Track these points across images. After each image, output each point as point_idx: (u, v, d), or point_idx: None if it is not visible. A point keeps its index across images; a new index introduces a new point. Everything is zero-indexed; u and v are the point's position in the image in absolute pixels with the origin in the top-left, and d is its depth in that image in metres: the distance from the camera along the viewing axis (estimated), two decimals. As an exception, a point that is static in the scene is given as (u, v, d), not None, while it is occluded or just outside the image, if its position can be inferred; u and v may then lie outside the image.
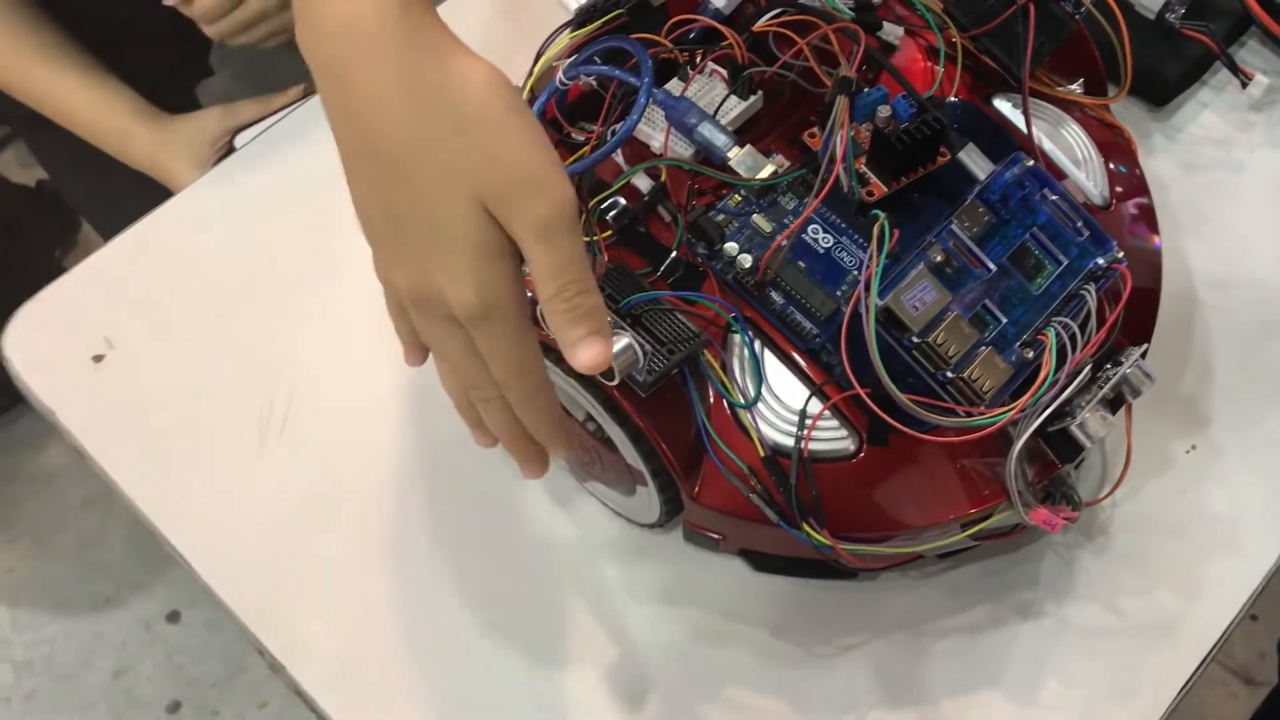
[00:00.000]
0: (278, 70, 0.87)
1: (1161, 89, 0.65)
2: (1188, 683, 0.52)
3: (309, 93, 0.80)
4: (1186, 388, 0.58)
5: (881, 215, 0.46)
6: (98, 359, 0.60)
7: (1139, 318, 0.51)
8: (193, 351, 0.60)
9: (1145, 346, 0.49)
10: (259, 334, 0.61)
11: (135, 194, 0.81)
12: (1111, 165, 0.54)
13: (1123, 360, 0.47)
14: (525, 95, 0.54)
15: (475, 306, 0.37)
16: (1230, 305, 0.60)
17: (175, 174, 0.82)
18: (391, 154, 0.37)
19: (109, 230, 0.68)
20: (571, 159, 0.53)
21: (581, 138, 0.53)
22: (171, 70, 0.91)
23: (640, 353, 0.43)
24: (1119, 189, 0.54)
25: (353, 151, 0.39)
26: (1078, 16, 0.53)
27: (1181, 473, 0.56)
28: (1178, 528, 0.55)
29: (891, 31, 0.54)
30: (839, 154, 0.46)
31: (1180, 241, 0.62)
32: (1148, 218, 0.54)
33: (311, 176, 0.65)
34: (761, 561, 0.53)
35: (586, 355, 0.38)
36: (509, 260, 0.38)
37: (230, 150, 0.81)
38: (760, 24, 0.53)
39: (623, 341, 0.43)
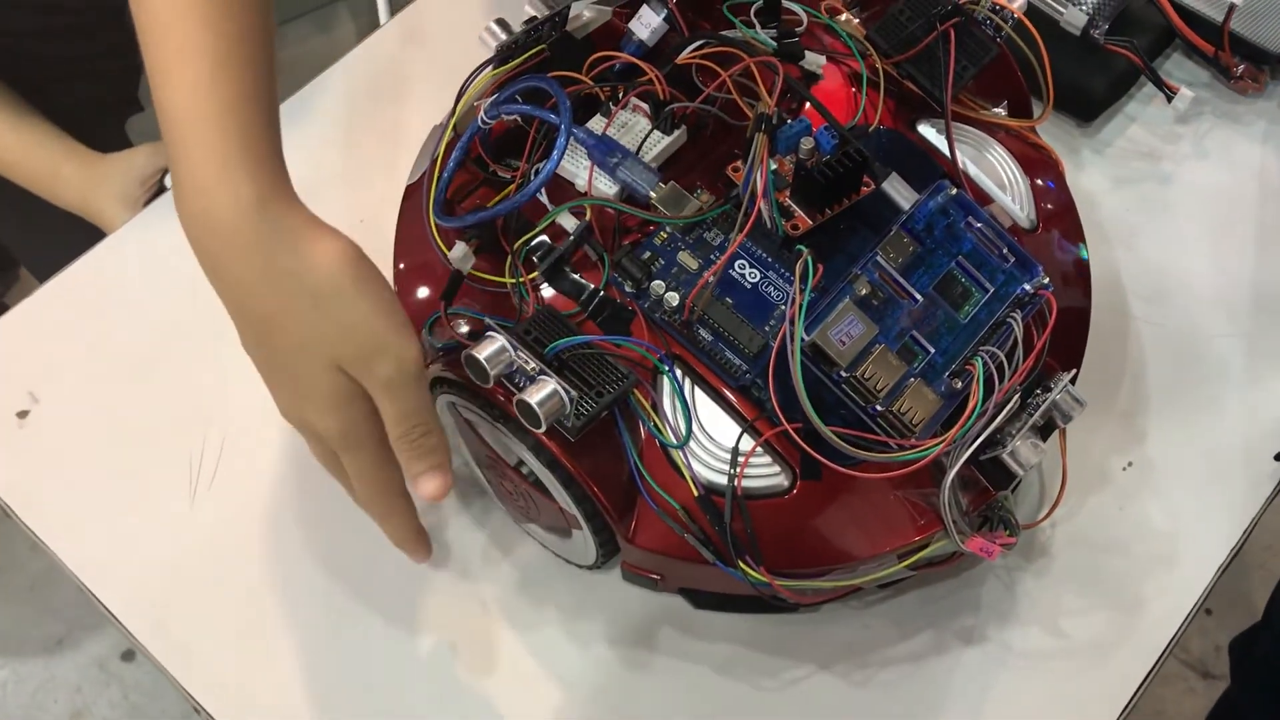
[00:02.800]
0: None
1: (1088, 105, 0.66)
2: (1132, 699, 0.52)
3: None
4: (1122, 403, 0.58)
5: (805, 250, 0.45)
6: (21, 415, 0.59)
7: (1069, 340, 0.51)
8: (121, 403, 0.59)
9: (1074, 372, 0.49)
10: (188, 381, 0.60)
11: (68, 235, 0.79)
12: (1038, 186, 0.55)
13: (1052, 386, 0.47)
14: (448, 134, 0.54)
15: (337, 439, 0.44)
16: (1162, 318, 0.60)
17: (106, 214, 0.81)
18: (259, 323, 0.43)
19: (44, 273, 0.67)
20: (496, 198, 0.52)
21: (508, 175, 0.52)
22: (101, 109, 0.89)
23: (565, 398, 0.43)
24: (1047, 209, 0.55)
25: (231, 312, 0.44)
26: (999, 40, 0.54)
27: (1119, 490, 0.56)
28: (1117, 545, 0.55)
29: (814, 61, 0.54)
30: (759, 190, 0.46)
31: (1112, 256, 0.62)
32: (1076, 238, 0.54)
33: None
34: (702, 599, 0.53)
35: (428, 487, 0.45)
36: (363, 403, 0.44)
37: (161, 189, 0.79)
38: (683, 56, 0.53)
39: (547, 388, 0.42)
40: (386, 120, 0.68)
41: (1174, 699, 1.27)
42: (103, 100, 0.89)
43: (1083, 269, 0.54)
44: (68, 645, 1.30)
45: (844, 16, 0.56)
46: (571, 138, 0.49)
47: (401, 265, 0.53)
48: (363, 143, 0.67)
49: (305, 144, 0.67)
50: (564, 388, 0.43)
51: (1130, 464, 0.57)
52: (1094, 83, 0.65)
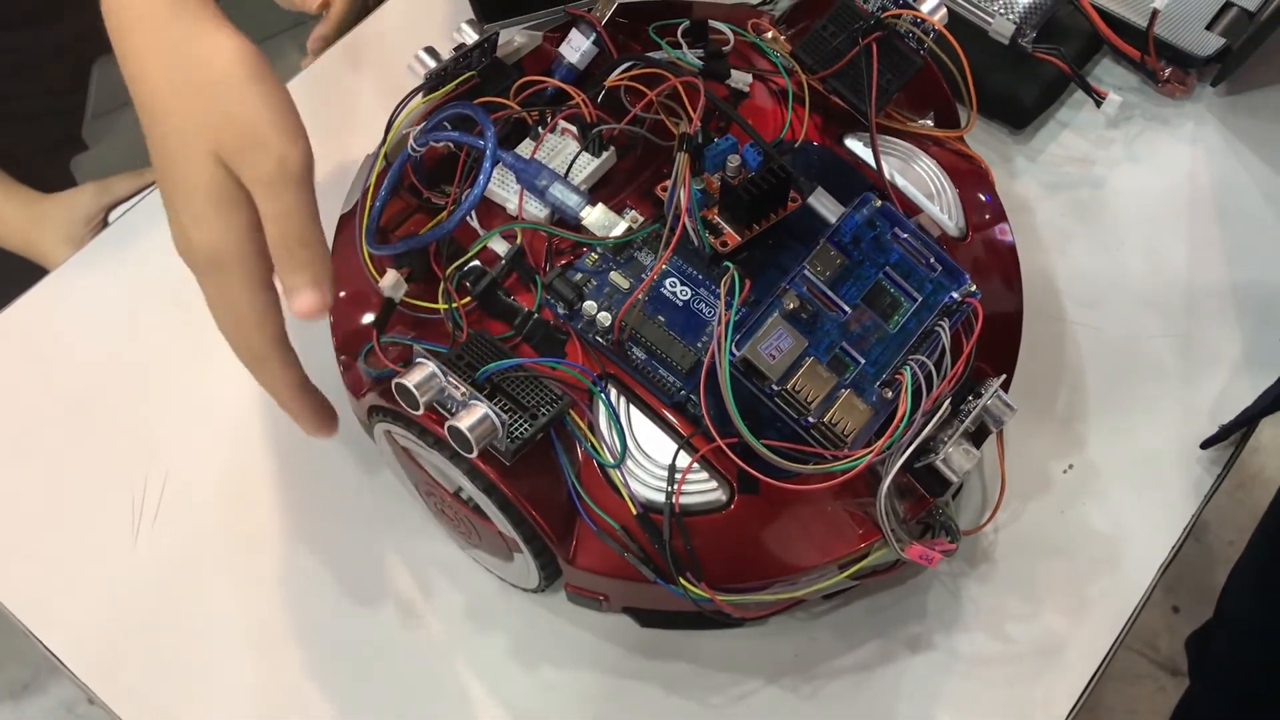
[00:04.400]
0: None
1: (1019, 113, 0.67)
2: (1078, 701, 0.52)
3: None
4: (1060, 407, 0.59)
5: (731, 267, 0.46)
6: (-40, 459, 0.58)
7: (1001, 345, 0.52)
8: (62, 442, 0.59)
9: (1004, 377, 0.49)
10: (128, 419, 0.59)
11: (9, 274, 0.79)
12: (968, 195, 0.55)
13: (983, 392, 0.48)
14: (380, 162, 0.54)
15: (206, 252, 0.42)
16: (1099, 322, 0.61)
17: (50, 254, 0.80)
18: (154, 114, 0.43)
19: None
20: (430, 224, 0.52)
21: (441, 202, 0.53)
22: (45, 147, 0.89)
23: (497, 422, 0.43)
24: (977, 218, 0.55)
25: (137, 106, 0.44)
26: (922, 53, 0.54)
27: (1061, 493, 0.57)
28: (1060, 548, 0.55)
29: (740, 79, 0.55)
30: (683, 208, 0.46)
31: (1047, 261, 0.63)
32: (1006, 244, 0.55)
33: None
34: (647, 618, 0.53)
35: (301, 302, 0.42)
36: (243, 212, 0.42)
37: (105, 225, 0.79)
38: (611, 79, 0.53)
39: (478, 413, 0.42)
40: (327, 148, 0.68)
41: (1146, 698, 1.27)
42: (46, 139, 0.88)
43: (1013, 275, 0.54)
44: (33, 690, 1.28)
45: (770, 35, 0.57)
46: (500, 162, 0.50)
47: (339, 293, 0.53)
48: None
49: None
50: (495, 411, 0.43)
51: (1071, 467, 0.57)
52: (1024, 91, 0.66)
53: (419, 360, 0.43)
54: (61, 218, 0.80)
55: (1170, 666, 1.29)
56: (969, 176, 0.56)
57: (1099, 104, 0.65)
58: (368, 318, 0.51)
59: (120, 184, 0.82)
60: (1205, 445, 0.57)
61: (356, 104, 0.69)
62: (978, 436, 0.48)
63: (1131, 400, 0.59)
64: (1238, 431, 0.57)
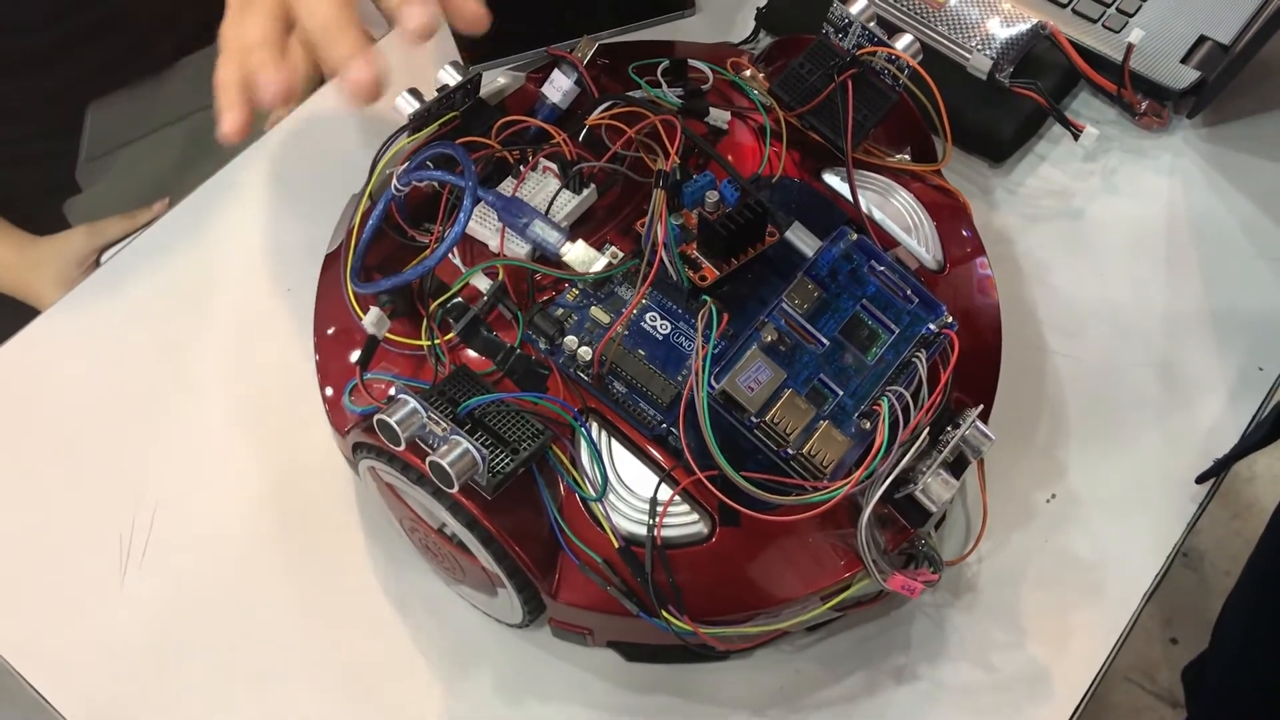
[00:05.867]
0: (144, 185, 0.86)
1: (998, 146, 0.67)
2: (1065, 731, 0.52)
3: (174, 205, 0.79)
4: (1042, 437, 0.59)
5: (709, 300, 0.46)
6: (-51, 500, 0.58)
7: (980, 375, 0.52)
8: (50, 482, 0.59)
9: (982, 407, 0.50)
10: (117, 458, 0.60)
11: (2, 314, 0.80)
12: (945, 228, 0.56)
13: (961, 422, 0.48)
14: (364, 201, 0.54)
15: None
16: (1078, 351, 0.62)
17: (41, 295, 0.81)
18: None
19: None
20: (414, 261, 0.53)
21: (425, 240, 0.53)
22: (38, 190, 0.90)
23: (478, 457, 0.43)
24: (957, 250, 0.56)
25: None
26: (898, 89, 0.55)
27: (1044, 522, 0.57)
28: (1043, 578, 0.55)
29: (719, 116, 0.56)
30: (660, 243, 0.47)
31: (1028, 292, 0.63)
32: (984, 276, 0.56)
33: (173, 290, 0.65)
34: (632, 651, 0.53)
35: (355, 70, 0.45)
36: None
37: (97, 267, 0.80)
38: (592, 117, 0.54)
39: (459, 449, 0.43)
40: (313, 187, 0.69)
41: (1145, 730, 1.27)
42: (38, 183, 0.89)
43: (991, 306, 0.55)
44: (26, 734, 1.28)
45: (748, 72, 0.58)
46: (481, 201, 0.50)
47: (324, 332, 0.53)
48: (291, 211, 0.68)
49: (232, 214, 0.68)
50: (476, 447, 0.43)
51: (1054, 496, 0.57)
52: (1003, 125, 0.67)
53: (401, 396, 0.44)
54: (54, 259, 0.81)
55: (1169, 698, 1.28)
56: (946, 210, 0.57)
57: (1077, 137, 0.66)
58: (353, 355, 0.52)
59: (112, 226, 0.83)
60: (1201, 479, 0.58)
61: (341, 144, 0.70)
62: (957, 466, 0.48)
63: (1113, 429, 0.59)
64: (1231, 465, 0.57)
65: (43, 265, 0.81)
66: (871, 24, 0.55)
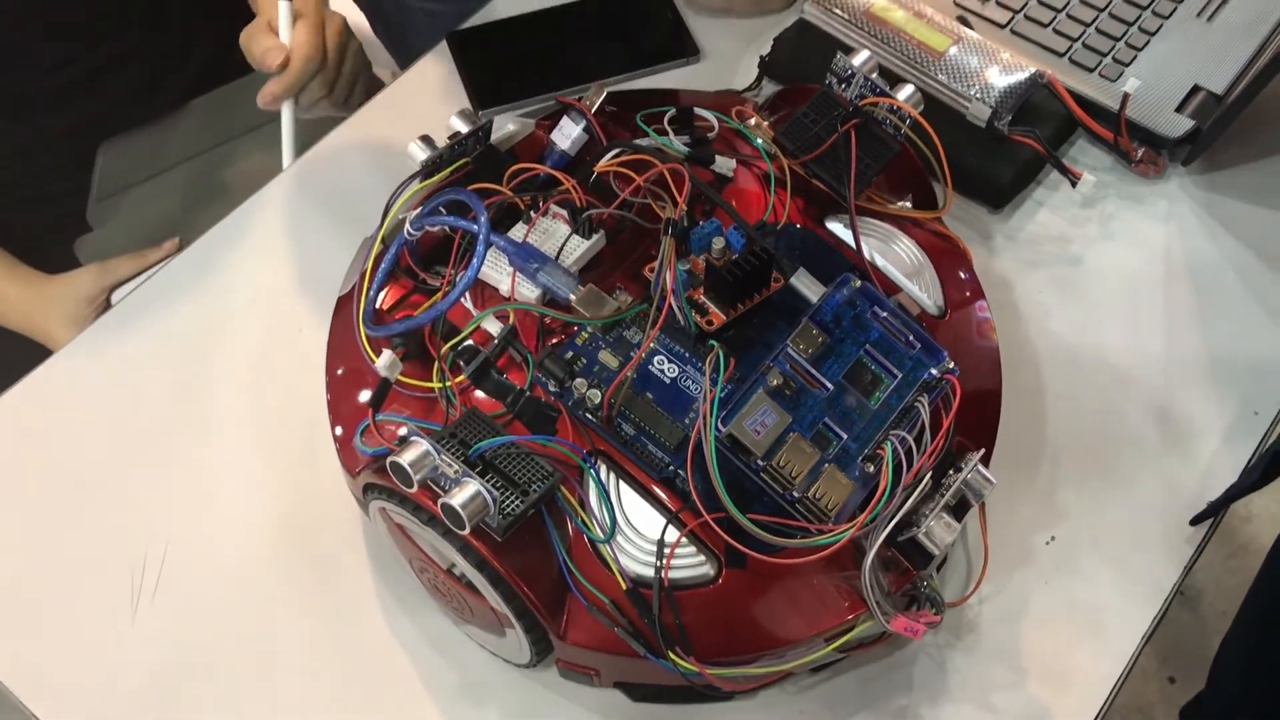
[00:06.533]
0: (155, 224, 0.87)
1: (997, 193, 0.69)
2: (1067, 772, 0.52)
3: (184, 245, 0.81)
4: (1042, 479, 0.60)
5: (716, 345, 0.47)
6: (-38, 537, 0.59)
7: (980, 420, 0.53)
8: (62, 520, 0.60)
9: (984, 451, 0.50)
10: (128, 497, 0.60)
11: (14, 354, 0.80)
12: (946, 274, 0.57)
13: (963, 466, 0.49)
14: (377, 245, 0.56)
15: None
16: (1077, 393, 0.62)
17: (53, 335, 0.82)
18: None
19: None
20: (426, 304, 0.54)
21: (436, 283, 0.54)
22: (50, 229, 0.91)
23: (489, 499, 0.44)
24: (958, 295, 0.57)
25: None
26: (899, 138, 0.56)
27: (1043, 564, 0.57)
28: (1044, 619, 0.56)
29: (725, 164, 0.57)
30: (669, 289, 0.48)
31: (1027, 336, 0.65)
32: (984, 319, 0.57)
33: (185, 330, 0.66)
34: (638, 692, 0.53)
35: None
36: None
37: (108, 306, 0.81)
38: (601, 164, 0.55)
39: (470, 490, 0.44)
40: (326, 231, 0.70)
41: (1144, 769, 1.27)
42: (50, 221, 0.90)
43: (991, 351, 0.56)
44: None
45: (754, 121, 0.59)
46: (493, 246, 0.52)
47: (336, 373, 0.54)
48: (301, 253, 0.69)
49: (246, 257, 0.69)
50: (487, 488, 0.44)
51: (1053, 538, 0.58)
52: (1002, 172, 0.68)
53: (413, 439, 0.45)
54: (65, 298, 0.82)
55: (1168, 738, 1.28)
56: (947, 256, 0.58)
57: (1074, 184, 0.68)
58: (363, 395, 0.52)
59: (123, 265, 0.84)
60: (1195, 522, 0.58)
61: (353, 187, 0.71)
62: (959, 509, 0.49)
63: (1112, 472, 0.60)
64: (1225, 508, 0.58)
65: (53, 303, 0.82)
66: (874, 75, 0.57)
